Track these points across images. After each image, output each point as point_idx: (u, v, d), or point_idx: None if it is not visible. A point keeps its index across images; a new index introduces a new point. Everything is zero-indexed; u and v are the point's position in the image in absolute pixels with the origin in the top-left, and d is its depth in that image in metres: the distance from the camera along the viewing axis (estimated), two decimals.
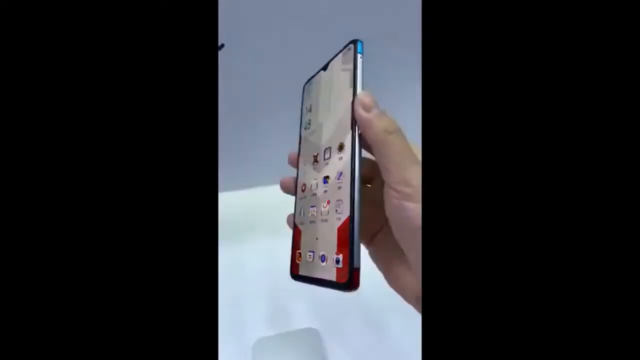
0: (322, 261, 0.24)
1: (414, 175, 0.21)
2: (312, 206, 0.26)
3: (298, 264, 0.26)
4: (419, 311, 0.21)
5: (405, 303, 0.23)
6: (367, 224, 0.26)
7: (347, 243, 0.22)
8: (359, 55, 0.25)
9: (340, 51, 0.27)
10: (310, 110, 0.31)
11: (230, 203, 0.56)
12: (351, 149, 0.23)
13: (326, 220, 0.24)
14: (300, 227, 0.28)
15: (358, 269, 0.21)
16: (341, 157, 0.24)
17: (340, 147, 0.25)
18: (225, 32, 0.46)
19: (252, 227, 0.61)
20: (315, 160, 0.28)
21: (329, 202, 0.25)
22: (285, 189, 0.31)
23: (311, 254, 0.25)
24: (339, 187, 0.24)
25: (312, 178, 0.27)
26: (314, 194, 0.27)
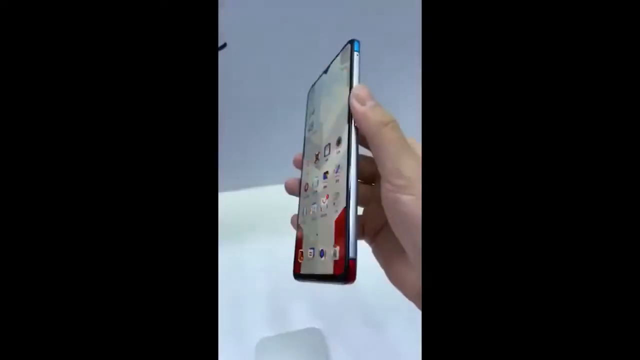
0: (321, 256, 0.23)
1: (407, 167, 0.20)
2: (313, 204, 0.26)
3: (300, 263, 0.26)
4: (419, 307, 0.21)
5: (406, 301, 0.23)
6: (371, 221, 0.26)
7: (343, 234, 0.21)
8: (355, 53, 0.25)
9: (339, 52, 0.27)
10: (313, 113, 0.31)
11: (230, 203, 0.56)
12: (347, 141, 0.23)
13: (325, 215, 0.24)
14: (302, 226, 0.28)
15: (354, 260, 0.21)
16: (339, 151, 0.24)
17: (338, 142, 0.25)
18: (225, 32, 0.46)
19: (252, 227, 0.61)
20: (317, 159, 0.28)
21: (327, 196, 0.24)
22: (290, 190, 0.31)
23: (312, 250, 0.25)
24: (337, 180, 0.24)
25: (313, 176, 0.27)
26: (315, 191, 0.27)
